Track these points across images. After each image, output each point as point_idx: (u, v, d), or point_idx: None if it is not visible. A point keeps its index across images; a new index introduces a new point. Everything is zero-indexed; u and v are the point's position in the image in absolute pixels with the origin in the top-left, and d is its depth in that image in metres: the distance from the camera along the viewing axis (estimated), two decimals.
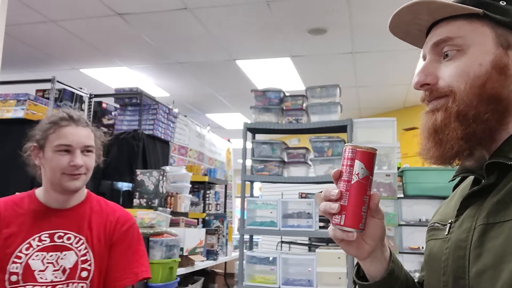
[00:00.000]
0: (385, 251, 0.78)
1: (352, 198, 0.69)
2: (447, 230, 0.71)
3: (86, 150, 1.36)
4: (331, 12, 3.91)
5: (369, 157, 0.70)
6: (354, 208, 0.69)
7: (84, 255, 1.34)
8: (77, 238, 1.35)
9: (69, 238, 1.34)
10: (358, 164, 0.70)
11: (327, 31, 4.29)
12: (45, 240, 1.30)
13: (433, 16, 0.73)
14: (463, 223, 0.67)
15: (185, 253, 3.37)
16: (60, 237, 1.33)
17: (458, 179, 0.81)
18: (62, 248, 1.32)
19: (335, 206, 0.69)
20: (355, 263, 0.83)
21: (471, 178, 0.75)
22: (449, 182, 0.82)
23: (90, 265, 1.34)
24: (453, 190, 0.83)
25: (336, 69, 5.37)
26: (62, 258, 1.31)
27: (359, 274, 0.81)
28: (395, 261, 0.78)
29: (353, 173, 0.70)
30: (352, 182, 0.70)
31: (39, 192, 1.39)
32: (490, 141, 0.69)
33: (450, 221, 0.71)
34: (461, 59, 0.69)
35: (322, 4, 3.78)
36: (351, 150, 0.71)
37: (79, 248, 1.34)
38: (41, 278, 1.26)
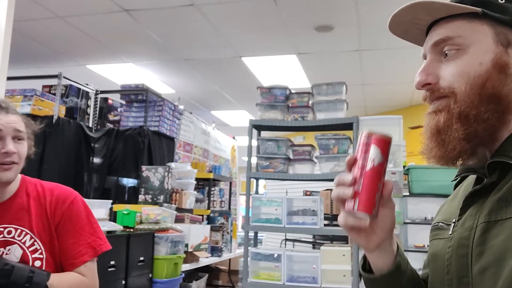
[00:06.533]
0: (393, 244, 0.78)
1: (367, 183, 0.68)
2: (451, 229, 0.71)
3: (17, 137, 1.29)
4: (338, 9, 3.90)
5: (385, 144, 0.69)
6: (368, 194, 0.68)
7: (32, 245, 1.28)
8: (19, 230, 1.28)
9: (9, 232, 1.28)
10: (374, 150, 0.69)
11: (333, 29, 4.27)
12: None
13: (433, 16, 0.73)
14: (466, 221, 0.68)
15: (189, 249, 3.38)
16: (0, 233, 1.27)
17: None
18: (4, 244, 1.25)
19: (348, 191, 0.69)
20: (361, 257, 0.83)
21: (473, 176, 0.75)
22: (452, 181, 0.83)
23: (41, 253, 1.28)
24: (454, 189, 0.83)
25: (342, 66, 5.35)
26: (6, 254, 1.25)
27: (365, 267, 0.81)
28: (402, 255, 0.78)
29: (369, 159, 0.69)
30: (367, 168, 0.69)
31: None
32: (491, 140, 0.69)
33: (454, 221, 0.72)
34: (461, 59, 0.69)
35: (329, 1, 3.76)
36: (367, 136, 0.70)
37: (23, 240, 1.28)
38: None
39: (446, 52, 0.70)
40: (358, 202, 0.68)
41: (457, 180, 0.81)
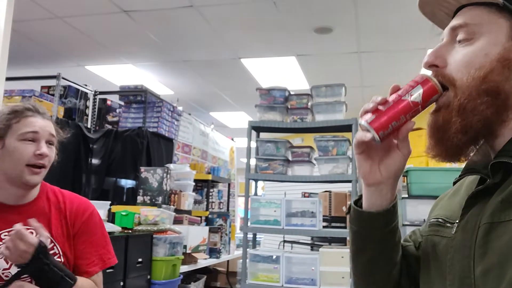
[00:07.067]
0: (392, 193, 0.77)
1: (392, 108, 0.69)
2: (454, 229, 0.70)
3: (49, 142, 1.33)
4: (337, 11, 3.90)
5: (431, 92, 0.69)
6: (387, 116, 0.69)
7: (52, 248, 1.30)
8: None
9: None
10: (418, 89, 0.69)
11: (333, 30, 4.28)
12: (5, 239, 1.23)
13: (458, 1, 0.74)
14: (468, 222, 0.67)
15: (188, 251, 3.37)
16: None
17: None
18: None
19: (371, 104, 0.71)
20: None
21: (476, 175, 0.75)
22: (456, 180, 0.82)
23: (59, 257, 1.31)
24: (453, 184, 0.82)
25: (341, 68, 5.35)
26: None
27: (357, 204, 0.80)
28: (395, 209, 0.77)
29: (409, 93, 0.70)
30: (402, 98, 0.70)
31: None
32: (491, 136, 0.69)
33: (457, 221, 0.71)
34: (470, 47, 0.69)
35: (328, 3, 3.76)
36: (422, 77, 0.71)
37: None
38: (6, 276, 1.23)
39: (460, 38, 0.71)
40: (374, 117, 0.70)
41: (458, 178, 0.81)
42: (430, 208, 0.86)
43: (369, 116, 0.70)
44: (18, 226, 1.19)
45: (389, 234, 0.77)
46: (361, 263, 0.81)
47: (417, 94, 0.69)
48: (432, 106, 0.74)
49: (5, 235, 1.26)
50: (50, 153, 1.33)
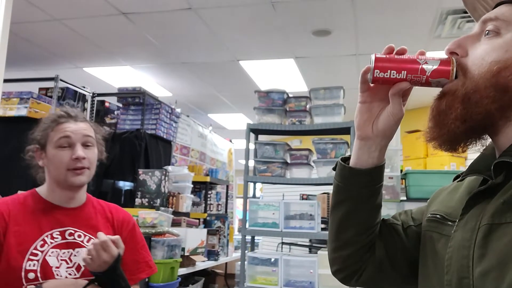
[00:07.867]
0: (379, 154, 0.78)
1: (402, 61, 0.71)
2: (453, 228, 0.70)
3: (86, 143, 1.36)
4: (335, 13, 3.91)
5: (443, 72, 0.70)
6: (392, 63, 0.71)
7: None
8: (87, 237, 1.35)
9: (79, 236, 1.34)
10: (434, 63, 0.70)
11: (331, 33, 4.28)
12: (57, 238, 1.30)
13: None
14: (468, 222, 0.67)
15: (186, 253, 3.36)
16: (71, 234, 1.33)
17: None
18: (74, 245, 1.31)
19: (390, 46, 0.74)
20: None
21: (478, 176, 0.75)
22: (458, 182, 0.81)
23: None
24: (453, 180, 0.82)
25: (340, 71, 5.36)
26: (75, 255, 1.31)
27: (345, 162, 0.82)
28: (380, 170, 0.79)
29: (426, 60, 0.71)
30: (417, 59, 0.71)
31: (41, 191, 1.38)
32: (494, 132, 0.69)
33: (456, 220, 0.70)
34: (493, 42, 0.69)
35: (327, 6, 3.77)
36: (448, 57, 0.72)
37: None
38: (57, 275, 1.25)
39: (487, 30, 0.71)
40: (383, 58, 0.72)
41: (459, 179, 0.80)
42: (428, 201, 0.86)
43: (381, 54, 0.73)
44: (103, 236, 1.24)
45: (368, 194, 0.79)
46: (336, 218, 0.82)
47: (430, 66, 0.70)
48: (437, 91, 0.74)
49: (57, 234, 1.30)
50: (89, 155, 1.36)
